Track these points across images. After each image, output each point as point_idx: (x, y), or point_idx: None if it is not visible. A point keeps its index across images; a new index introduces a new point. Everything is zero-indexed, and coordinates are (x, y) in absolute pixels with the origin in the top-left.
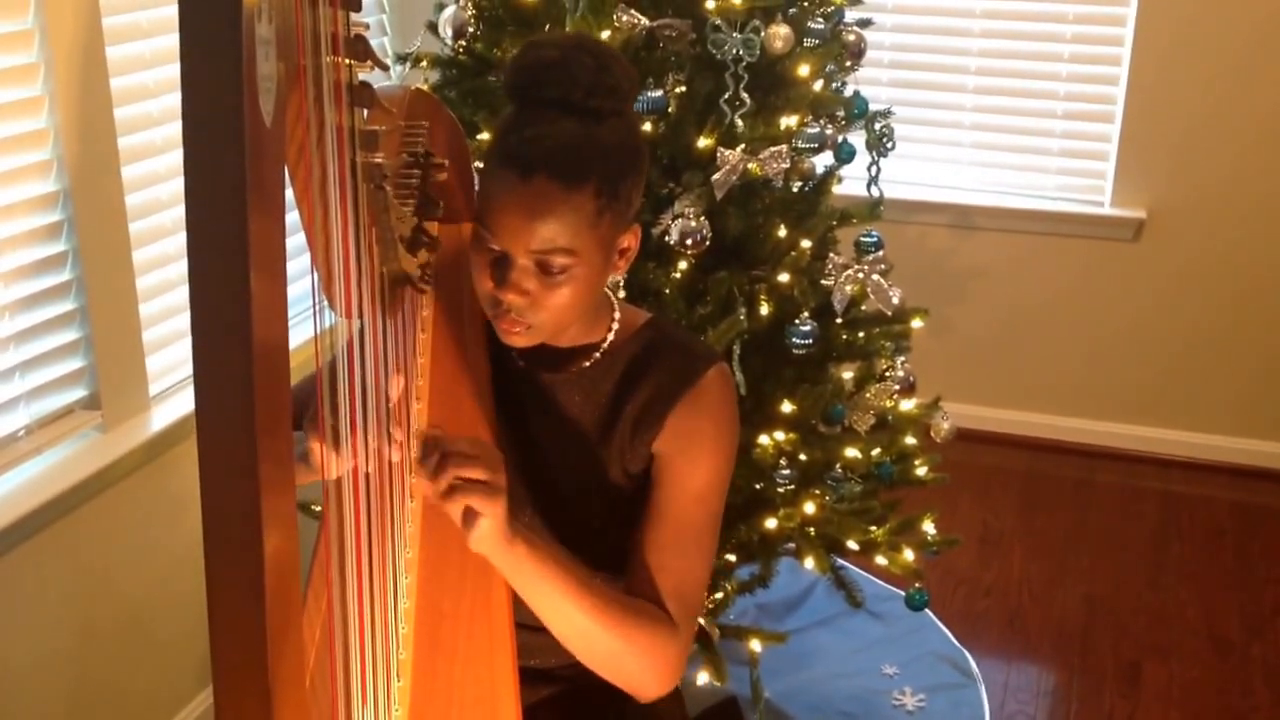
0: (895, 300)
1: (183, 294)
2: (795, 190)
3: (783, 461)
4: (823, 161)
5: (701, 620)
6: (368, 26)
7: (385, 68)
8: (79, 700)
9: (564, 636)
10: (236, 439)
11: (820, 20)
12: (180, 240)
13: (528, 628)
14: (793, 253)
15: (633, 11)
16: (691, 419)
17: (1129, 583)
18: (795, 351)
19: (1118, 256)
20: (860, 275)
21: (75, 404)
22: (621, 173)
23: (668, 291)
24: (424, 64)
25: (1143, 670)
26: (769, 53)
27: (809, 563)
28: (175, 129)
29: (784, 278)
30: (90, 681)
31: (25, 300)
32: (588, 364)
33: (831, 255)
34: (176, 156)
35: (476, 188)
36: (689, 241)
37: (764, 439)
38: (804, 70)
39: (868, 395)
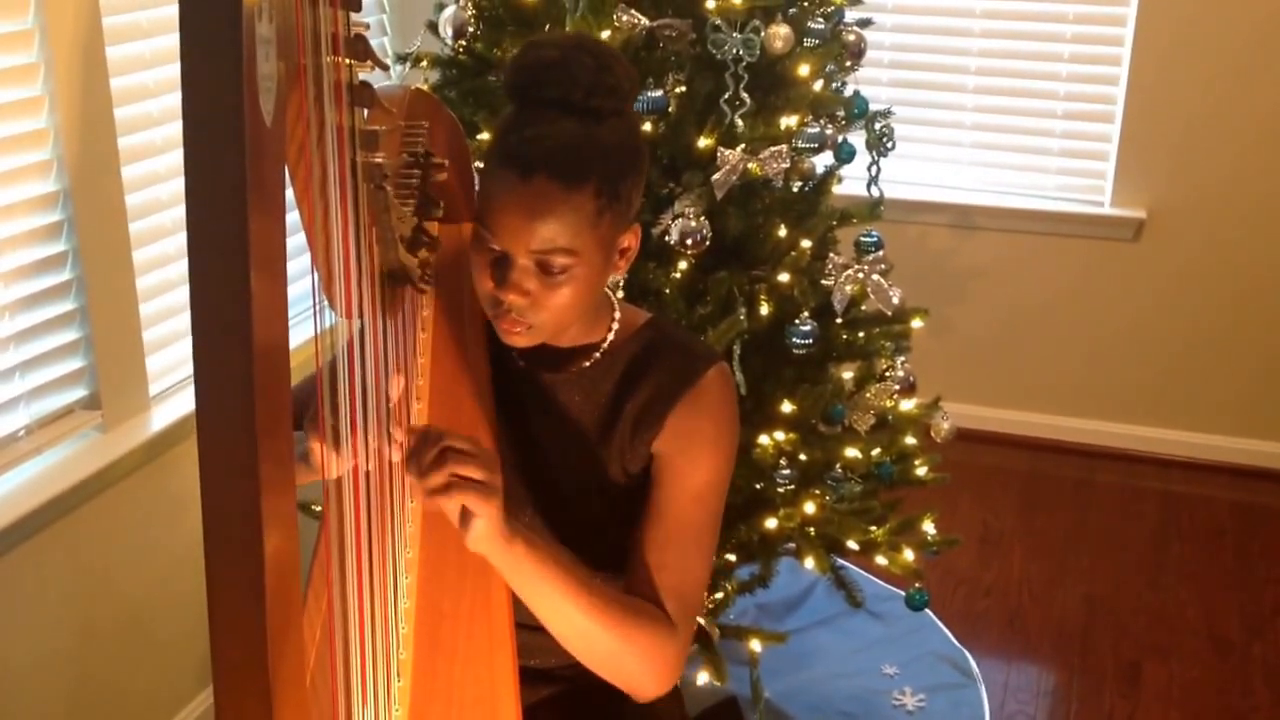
0: (895, 300)
1: (183, 294)
2: (795, 190)
3: (783, 461)
4: (823, 161)
5: (701, 620)
6: (368, 26)
7: (385, 67)
8: (79, 700)
9: (563, 636)
10: (237, 439)
11: (820, 20)
12: (180, 240)
13: (528, 628)
14: (793, 253)
15: (633, 11)
16: (691, 419)
17: (1129, 583)
18: (795, 351)
19: (1118, 256)
20: (860, 275)
21: (75, 404)
22: (622, 173)
23: (668, 291)
24: (424, 64)
25: (1143, 670)
26: (769, 53)
27: (809, 563)
28: (175, 129)
29: (784, 278)
30: (90, 681)
31: (25, 300)
32: (588, 364)
33: (831, 255)
34: (176, 156)
35: (476, 188)
36: (689, 241)
37: (764, 439)
38: (804, 70)
39: (868, 395)
